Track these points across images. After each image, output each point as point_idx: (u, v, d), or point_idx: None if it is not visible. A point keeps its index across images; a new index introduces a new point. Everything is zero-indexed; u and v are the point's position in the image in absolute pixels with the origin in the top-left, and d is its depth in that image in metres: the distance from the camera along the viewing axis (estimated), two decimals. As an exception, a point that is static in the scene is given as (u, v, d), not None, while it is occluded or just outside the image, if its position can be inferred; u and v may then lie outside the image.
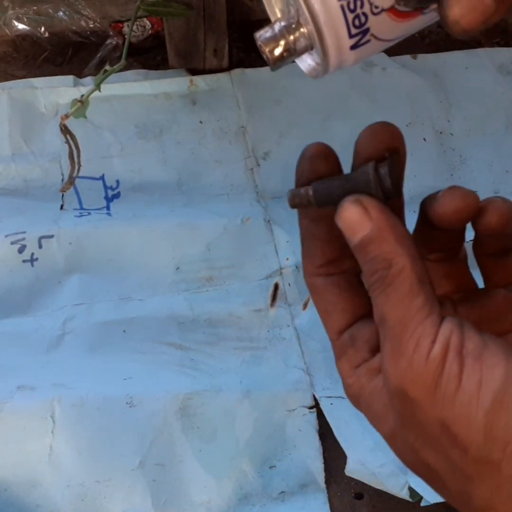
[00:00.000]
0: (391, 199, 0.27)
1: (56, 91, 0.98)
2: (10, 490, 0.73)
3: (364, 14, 0.24)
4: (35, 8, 1.04)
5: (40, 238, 0.87)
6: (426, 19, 0.26)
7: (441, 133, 1.01)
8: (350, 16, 0.24)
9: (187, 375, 0.79)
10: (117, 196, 0.94)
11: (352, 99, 1.01)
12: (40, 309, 0.84)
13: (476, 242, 0.29)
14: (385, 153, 0.27)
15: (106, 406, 0.76)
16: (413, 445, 0.25)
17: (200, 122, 0.99)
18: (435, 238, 0.29)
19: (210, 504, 0.74)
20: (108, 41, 1.04)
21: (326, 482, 0.76)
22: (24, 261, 0.86)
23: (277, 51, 0.26)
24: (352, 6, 0.24)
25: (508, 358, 0.23)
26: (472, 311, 0.29)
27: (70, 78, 1.00)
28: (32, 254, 0.86)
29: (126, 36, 1.03)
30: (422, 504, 0.73)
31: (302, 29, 0.25)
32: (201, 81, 1.01)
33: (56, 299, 0.85)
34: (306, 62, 0.28)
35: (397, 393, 0.24)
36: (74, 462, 0.74)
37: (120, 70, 0.73)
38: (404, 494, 0.73)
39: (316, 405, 0.78)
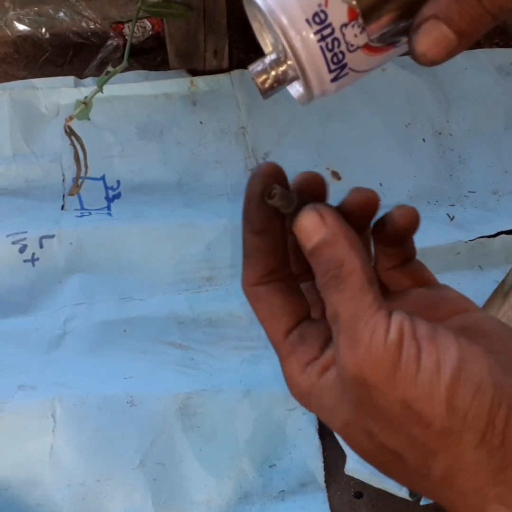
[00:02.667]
0: None
1: (57, 92, 0.98)
2: (11, 490, 0.73)
3: (341, 52, 0.27)
4: (36, 9, 1.04)
5: (41, 238, 0.87)
6: (399, 50, 0.29)
7: (440, 133, 1.01)
8: (329, 55, 0.27)
9: (187, 374, 0.79)
10: (117, 196, 0.94)
11: (352, 99, 1.01)
12: (41, 308, 0.84)
13: (377, 258, 0.33)
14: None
15: (106, 406, 0.76)
16: (371, 431, 0.27)
17: (200, 122, 0.99)
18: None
19: (210, 503, 0.74)
20: (109, 42, 1.04)
21: (326, 481, 0.76)
22: (25, 261, 0.86)
23: (268, 83, 0.29)
24: (330, 47, 0.27)
25: (458, 339, 0.26)
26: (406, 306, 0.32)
27: (70, 79, 1.00)
28: (33, 254, 0.86)
29: (126, 37, 1.04)
30: (422, 503, 0.73)
31: (289, 62, 0.28)
32: (201, 82, 1.01)
33: (57, 298, 0.85)
34: (295, 88, 0.30)
35: (355, 382, 0.26)
36: (74, 461, 0.74)
37: (121, 71, 0.74)
38: (404, 493, 0.73)
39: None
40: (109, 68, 0.67)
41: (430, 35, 0.26)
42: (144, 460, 0.75)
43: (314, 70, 0.28)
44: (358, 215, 0.31)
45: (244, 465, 0.76)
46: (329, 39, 0.27)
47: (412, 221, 0.31)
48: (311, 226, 0.28)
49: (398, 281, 0.33)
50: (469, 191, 0.97)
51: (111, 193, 0.94)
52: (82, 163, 0.69)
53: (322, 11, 0.27)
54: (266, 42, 0.31)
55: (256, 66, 0.29)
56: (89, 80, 1.00)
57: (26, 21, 1.05)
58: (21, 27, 1.05)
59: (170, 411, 0.76)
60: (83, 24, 1.05)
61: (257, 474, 0.76)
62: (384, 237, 0.32)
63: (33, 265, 0.86)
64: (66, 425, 0.75)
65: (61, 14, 1.04)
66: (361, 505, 0.76)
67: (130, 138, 0.97)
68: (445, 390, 0.25)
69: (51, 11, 1.04)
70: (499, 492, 0.25)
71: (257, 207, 0.29)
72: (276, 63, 0.29)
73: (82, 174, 0.70)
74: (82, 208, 0.91)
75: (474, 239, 0.90)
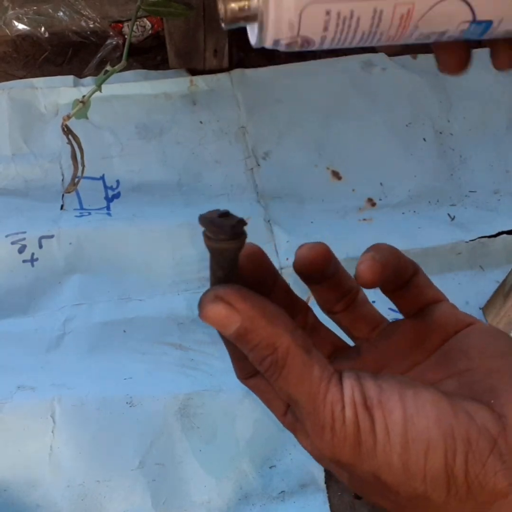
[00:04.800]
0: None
1: (56, 91, 0.98)
2: (10, 490, 0.73)
3: None
4: (35, 8, 1.04)
5: (40, 238, 0.87)
6: None
7: (441, 133, 1.01)
8: None
9: (187, 375, 0.79)
10: (117, 196, 0.94)
11: (352, 99, 1.01)
12: (40, 309, 0.84)
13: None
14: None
15: (106, 406, 0.76)
16: (363, 493, 0.28)
17: (200, 122, 0.99)
18: (331, 291, 0.33)
19: (210, 504, 0.74)
20: (108, 41, 1.04)
21: (326, 482, 0.76)
22: (24, 261, 0.86)
23: (233, 11, 0.26)
24: None
25: (401, 393, 0.26)
26: (385, 347, 0.32)
27: (70, 78, 1.00)
28: (32, 254, 0.86)
29: (126, 36, 1.04)
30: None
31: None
32: (201, 81, 1.01)
33: (56, 299, 0.85)
34: (254, 30, 0.28)
35: (333, 461, 0.27)
36: (74, 462, 0.74)
37: (120, 71, 0.73)
38: (404, 494, 0.73)
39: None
40: (108, 67, 0.67)
41: None
42: (144, 460, 0.74)
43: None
44: (311, 269, 0.30)
45: (244, 466, 0.75)
46: None
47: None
48: (221, 318, 0.25)
49: (406, 308, 0.33)
50: (470, 191, 0.97)
51: (110, 193, 0.94)
52: (79, 162, 0.69)
53: None
54: None
55: None
56: (88, 79, 1.00)
57: (25, 20, 1.04)
58: (20, 26, 1.05)
59: (170, 411, 0.76)
60: (83, 23, 1.05)
61: (257, 475, 0.75)
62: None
63: (32, 265, 0.86)
64: (65, 425, 0.75)
65: (61, 13, 1.04)
66: (361, 506, 0.76)
67: (130, 137, 0.97)
68: (398, 459, 0.25)
69: (50, 10, 1.04)
70: None
71: None
72: None
73: (79, 173, 0.70)
74: (82, 208, 0.91)
75: (475, 239, 0.89)
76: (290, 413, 0.30)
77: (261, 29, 0.26)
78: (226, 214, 0.27)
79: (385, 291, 0.32)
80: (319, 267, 0.31)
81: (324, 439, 0.26)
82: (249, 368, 0.30)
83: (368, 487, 0.27)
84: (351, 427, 0.25)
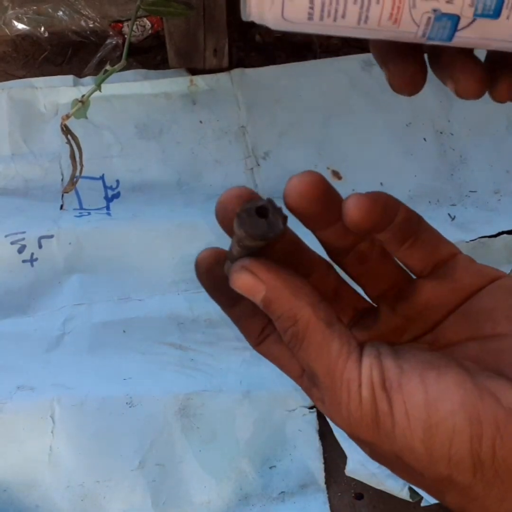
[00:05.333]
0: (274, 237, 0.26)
1: (56, 91, 0.98)
2: (9, 491, 0.73)
3: None
4: (35, 8, 1.04)
5: (40, 238, 0.87)
6: None
7: (441, 133, 1.01)
8: None
9: (187, 375, 0.79)
10: (117, 196, 0.93)
11: (352, 99, 1.01)
12: (40, 309, 0.84)
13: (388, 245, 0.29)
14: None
15: (106, 406, 0.76)
16: (385, 466, 0.27)
17: (200, 122, 0.99)
18: (338, 236, 0.30)
19: (210, 505, 0.74)
20: (108, 41, 1.04)
21: (326, 482, 0.76)
22: (24, 261, 0.86)
23: None
24: None
25: (423, 379, 0.25)
26: (404, 309, 0.30)
27: (70, 78, 1.00)
28: (32, 254, 0.86)
29: (126, 36, 1.03)
30: (422, 504, 0.72)
31: None
32: (201, 80, 1.01)
33: (56, 299, 0.84)
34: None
35: (352, 436, 0.26)
36: (73, 462, 0.74)
37: (120, 70, 0.73)
38: (404, 494, 0.73)
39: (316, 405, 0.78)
40: (108, 67, 0.67)
41: None
42: (144, 461, 0.74)
43: None
44: (306, 206, 0.28)
45: (244, 466, 0.75)
46: None
47: (366, 211, 0.27)
48: (248, 286, 0.26)
49: (419, 266, 0.29)
50: (470, 191, 0.97)
51: (110, 192, 0.94)
52: (78, 162, 0.69)
53: None
54: None
55: None
56: (88, 79, 1.00)
57: (25, 20, 1.04)
58: (20, 26, 1.05)
59: (170, 412, 0.76)
60: (82, 23, 1.05)
61: (257, 475, 0.75)
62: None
63: (32, 265, 0.86)
64: (65, 426, 0.75)
65: (60, 13, 1.04)
66: (361, 506, 0.76)
67: (130, 137, 0.97)
68: (420, 444, 0.24)
69: (50, 10, 1.04)
70: None
71: (215, 292, 0.29)
72: None
73: (78, 173, 0.70)
74: (81, 208, 0.91)
75: (475, 239, 0.89)
76: (306, 377, 0.29)
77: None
78: (265, 208, 0.26)
79: (390, 246, 0.29)
80: (315, 202, 0.28)
81: (342, 416, 0.25)
82: (257, 333, 0.30)
83: (391, 464, 0.26)
84: (368, 407, 0.25)
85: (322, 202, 0.28)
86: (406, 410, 0.24)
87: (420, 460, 0.24)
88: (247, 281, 0.26)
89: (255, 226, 0.25)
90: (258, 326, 0.30)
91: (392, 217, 0.28)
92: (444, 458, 0.24)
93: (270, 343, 0.30)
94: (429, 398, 0.24)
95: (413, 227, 0.29)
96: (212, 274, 0.29)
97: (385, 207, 0.27)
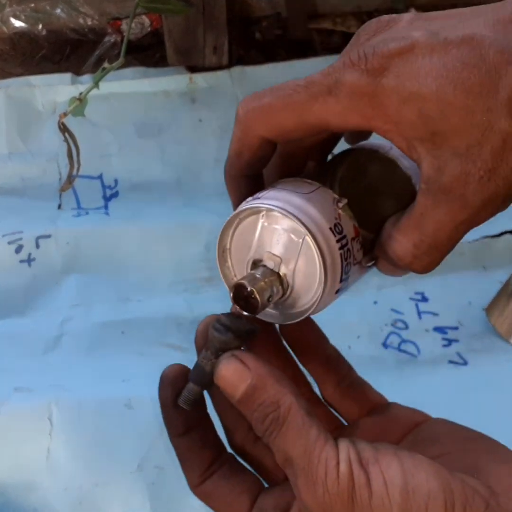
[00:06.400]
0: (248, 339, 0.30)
1: (54, 89, 0.98)
2: (7, 494, 0.72)
3: (349, 263, 0.29)
4: (32, 5, 1.04)
5: (38, 238, 0.86)
6: (369, 271, 0.32)
7: (443, 131, 1.00)
8: (344, 264, 0.29)
9: (186, 376, 0.79)
10: (115, 195, 0.93)
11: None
12: (37, 310, 0.84)
13: (320, 384, 0.34)
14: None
15: (104, 408, 0.75)
16: None
17: (200, 120, 0.99)
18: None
19: (209, 507, 0.73)
20: (106, 38, 1.04)
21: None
22: (21, 261, 0.85)
23: (266, 294, 0.29)
24: (345, 256, 0.29)
25: (397, 452, 0.27)
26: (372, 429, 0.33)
27: (67, 76, 1.00)
28: (29, 254, 0.86)
29: (124, 34, 1.03)
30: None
31: (282, 272, 0.29)
32: (200, 78, 1.01)
33: (54, 299, 0.84)
34: (270, 313, 0.31)
35: None
36: (72, 464, 0.73)
37: (119, 68, 0.73)
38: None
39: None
40: (106, 65, 0.66)
41: (384, 268, 0.31)
42: (142, 463, 0.74)
43: (332, 278, 0.28)
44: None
45: (244, 469, 0.75)
46: (345, 249, 0.29)
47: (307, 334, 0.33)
48: (234, 375, 0.28)
49: (347, 408, 0.34)
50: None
51: (108, 192, 0.93)
52: (75, 160, 0.68)
53: (338, 224, 0.29)
54: (228, 268, 0.32)
55: (248, 279, 0.29)
56: (86, 77, 1.00)
57: (23, 17, 1.04)
58: (17, 23, 1.04)
59: (169, 413, 0.75)
60: (80, 20, 1.04)
61: (257, 478, 0.75)
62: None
63: (29, 265, 0.85)
64: (63, 428, 0.74)
65: (58, 10, 1.04)
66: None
67: (128, 136, 0.96)
68: (398, 510, 0.25)
69: (48, 7, 1.04)
70: None
71: (174, 411, 0.31)
72: (268, 274, 0.29)
73: (75, 172, 0.70)
74: (79, 208, 0.91)
75: (478, 239, 0.89)
76: (256, 509, 0.30)
77: (318, 295, 0.29)
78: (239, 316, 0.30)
79: (324, 385, 0.34)
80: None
81: (316, 495, 0.26)
82: (204, 469, 0.31)
83: None
84: (345, 482, 0.26)
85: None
86: (384, 478, 0.26)
87: None
88: (236, 367, 0.28)
89: (237, 324, 0.29)
90: (207, 460, 0.31)
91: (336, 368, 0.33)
92: None
93: (214, 484, 0.31)
94: (405, 468, 0.26)
95: (343, 366, 0.34)
96: (177, 387, 0.31)
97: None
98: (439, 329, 0.84)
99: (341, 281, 0.29)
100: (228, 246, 0.32)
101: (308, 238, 0.28)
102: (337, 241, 0.28)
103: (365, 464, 0.26)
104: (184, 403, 0.30)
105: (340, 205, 0.29)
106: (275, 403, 0.27)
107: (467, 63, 0.25)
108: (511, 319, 0.80)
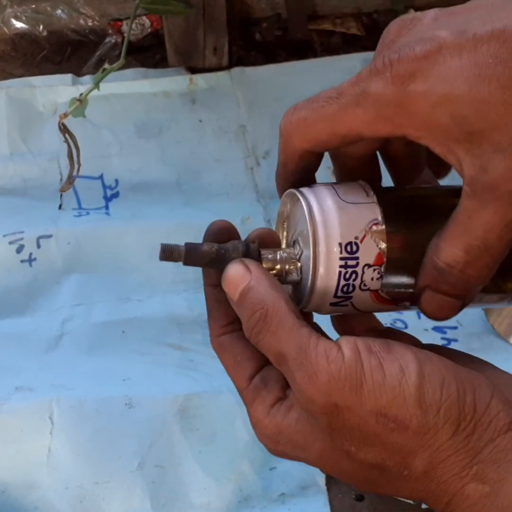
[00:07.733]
0: None
1: (55, 90, 0.98)
2: (7, 492, 0.72)
3: (353, 286, 0.29)
4: (33, 6, 1.04)
5: (39, 238, 0.86)
6: (398, 309, 0.32)
7: (442, 132, 1.00)
8: (342, 283, 0.29)
9: (186, 376, 0.79)
10: (116, 195, 0.93)
11: (352, 98, 1.00)
12: (38, 309, 0.84)
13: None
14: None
15: (105, 407, 0.75)
16: (349, 451, 0.28)
17: (200, 121, 0.99)
18: None
19: (209, 506, 0.73)
20: (107, 39, 1.04)
21: (327, 483, 0.76)
22: (22, 261, 0.85)
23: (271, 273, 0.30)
24: (347, 276, 0.29)
25: (409, 347, 0.28)
26: None
27: (68, 76, 1.00)
28: (30, 254, 0.86)
29: (125, 35, 1.03)
30: (423, 506, 0.72)
31: (299, 265, 0.30)
32: (200, 79, 1.01)
33: (55, 299, 0.84)
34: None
35: (325, 411, 0.27)
36: (72, 463, 0.73)
37: (119, 69, 0.73)
38: (405, 496, 0.72)
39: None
40: (106, 66, 0.67)
41: (431, 304, 0.30)
42: (143, 462, 0.74)
43: (323, 288, 0.29)
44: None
45: (244, 468, 0.75)
46: (349, 270, 0.29)
47: None
48: (237, 276, 0.29)
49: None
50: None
51: (109, 192, 0.93)
52: (75, 161, 0.69)
53: (356, 244, 0.28)
54: (281, 239, 0.32)
55: (268, 254, 0.31)
56: (87, 78, 1.00)
57: (24, 18, 1.04)
58: (18, 24, 1.04)
59: (169, 413, 0.76)
60: (81, 21, 1.04)
61: (257, 477, 0.75)
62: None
63: (30, 265, 0.85)
64: (64, 427, 0.74)
65: (59, 11, 1.04)
66: (362, 508, 0.76)
67: (129, 136, 0.97)
68: (415, 390, 0.26)
69: (48, 8, 1.04)
70: (476, 471, 0.27)
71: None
72: (287, 260, 0.30)
73: (75, 172, 0.70)
74: (80, 208, 0.91)
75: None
76: (259, 378, 0.31)
77: (306, 298, 0.30)
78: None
79: None
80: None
81: (319, 383, 0.26)
82: (226, 322, 0.31)
83: (360, 435, 0.27)
84: (352, 366, 0.26)
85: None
86: (400, 364, 0.26)
87: (411, 408, 0.26)
88: (239, 270, 0.29)
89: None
90: (231, 315, 0.31)
91: None
92: (435, 405, 0.26)
93: (233, 338, 0.31)
94: (419, 358, 0.27)
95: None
96: (220, 239, 0.32)
97: None
98: (438, 329, 0.84)
99: (335, 296, 0.29)
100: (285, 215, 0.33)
101: (310, 243, 0.29)
102: (342, 258, 0.28)
103: (375, 351, 0.27)
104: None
105: (374, 228, 0.29)
106: (263, 301, 0.28)
107: (500, 58, 0.25)
108: (510, 319, 0.80)
